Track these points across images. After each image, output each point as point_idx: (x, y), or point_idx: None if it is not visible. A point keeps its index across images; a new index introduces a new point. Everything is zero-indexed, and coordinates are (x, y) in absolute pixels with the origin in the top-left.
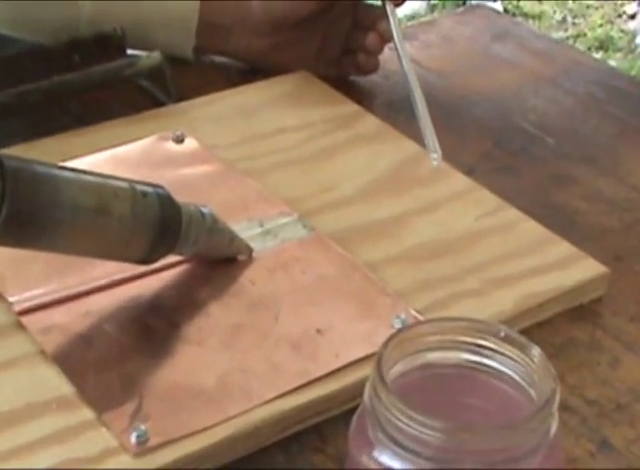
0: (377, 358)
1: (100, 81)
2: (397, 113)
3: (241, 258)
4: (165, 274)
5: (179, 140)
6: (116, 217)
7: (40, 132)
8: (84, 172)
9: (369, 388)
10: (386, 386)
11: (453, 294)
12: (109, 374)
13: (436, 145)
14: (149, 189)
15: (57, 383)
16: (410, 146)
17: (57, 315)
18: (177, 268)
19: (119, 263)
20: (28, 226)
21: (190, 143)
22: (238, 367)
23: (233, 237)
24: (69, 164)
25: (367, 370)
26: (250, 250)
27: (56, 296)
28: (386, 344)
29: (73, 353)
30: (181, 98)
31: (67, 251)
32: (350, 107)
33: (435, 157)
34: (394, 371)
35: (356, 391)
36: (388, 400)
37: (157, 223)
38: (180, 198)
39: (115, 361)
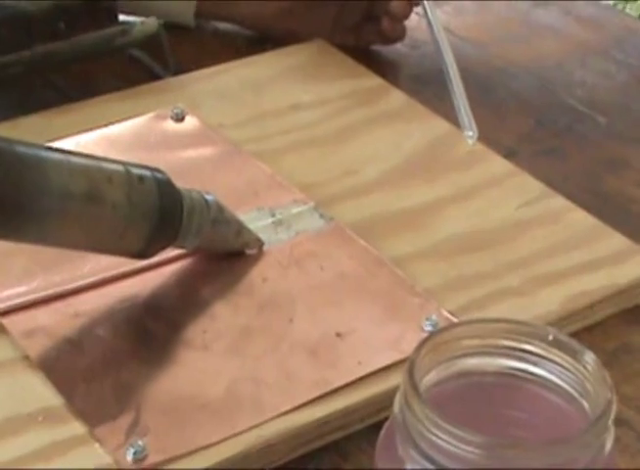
0: (409, 365)
1: (88, 52)
2: (426, 87)
3: (249, 252)
4: (165, 270)
5: (179, 118)
6: (110, 205)
7: (21, 109)
8: (74, 154)
9: (400, 398)
10: (419, 396)
11: (491, 293)
12: (101, 383)
13: (472, 122)
14: (146, 173)
15: (43, 393)
16: (441, 125)
17: (42, 316)
18: (178, 263)
19: (113, 258)
20: (13, 215)
21: (191, 121)
22: (248, 376)
23: (241, 228)
24: (54, 145)
25: (394, 379)
26: (260, 243)
27: (41, 294)
28: (418, 349)
29: (61, 360)
30: (180, 70)
31: (54, 243)
32: (373, 80)
33: (471, 135)
34: (428, 380)
35: (382, 403)
36: (422, 412)
37: (155, 212)
38: (181, 183)
39: (109, 369)
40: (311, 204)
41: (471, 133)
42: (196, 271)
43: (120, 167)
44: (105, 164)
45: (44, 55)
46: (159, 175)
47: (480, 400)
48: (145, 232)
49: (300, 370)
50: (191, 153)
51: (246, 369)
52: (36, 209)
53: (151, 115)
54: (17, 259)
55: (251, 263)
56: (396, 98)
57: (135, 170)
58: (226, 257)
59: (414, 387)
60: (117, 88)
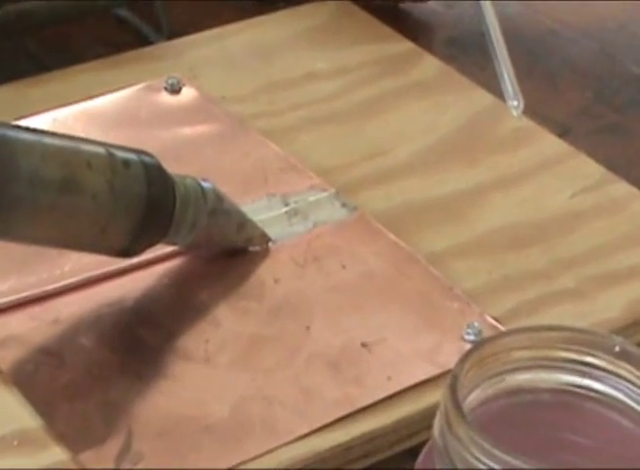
0: (451, 382)
1: (67, 12)
2: (465, 52)
3: (253, 249)
4: (158, 269)
5: (174, 90)
6: (89, 195)
7: None
8: (47, 134)
9: (440, 420)
10: (463, 417)
11: (543, 296)
12: (86, 401)
13: (517, 91)
14: (132, 156)
15: (18, 413)
16: (483, 97)
17: (15, 323)
18: (173, 262)
19: (96, 256)
20: None
21: (188, 94)
22: (258, 393)
23: (244, 221)
24: (26, 122)
25: (429, 398)
26: (265, 239)
27: (13, 298)
28: (461, 362)
29: (39, 374)
30: (175, 34)
31: (24, 239)
32: (402, 45)
33: (516, 105)
34: (473, 398)
35: (415, 425)
36: (467, 436)
37: (142, 202)
38: (175, 168)
39: (95, 384)
40: (331, 190)
41: (515, 103)
42: (194, 271)
43: (102, 150)
44: (83, 146)
45: (16, 15)
46: (146, 159)
47: (533, 422)
48: (130, 226)
49: (320, 387)
50: (187, 131)
51: (255, 385)
52: (3, 199)
53: (140, 86)
54: None
55: (261, 261)
56: (430, 65)
57: (119, 153)
58: (231, 254)
59: (457, 407)
60: (101, 55)
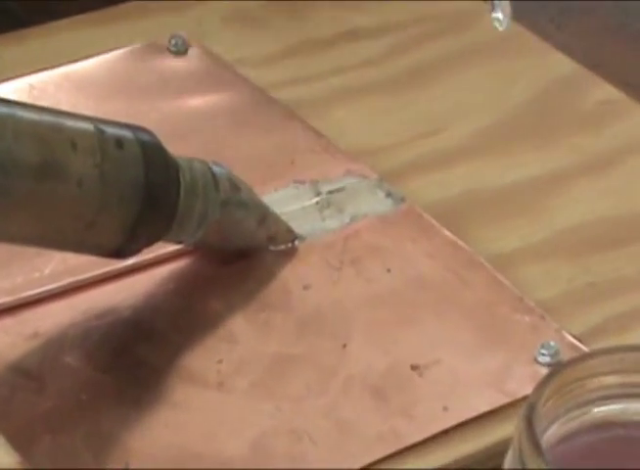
0: (526, 413)
1: None
2: (538, 8)
3: (276, 248)
4: (158, 272)
5: (179, 51)
6: (74, 182)
7: None
8: (21, 107)
9: (512, 459)
10: (541, 455)
11: (635, 309)
12: (72, 433)
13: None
14: (126, 134)
15: None
16: (560, 62)
17: None
18: (177, 264)
19: (85, 256)
20: None
21: (196, 56)
22: (283, 426)
23: (265, 214)
24: None
25: (496, 433)
26: (292, 236)
27: None
28: (539, 389)
29: (14, 400)
30: None
31: None
32: None
33: (500, 18)
34: (553, 433)
35: (477, 466)
36: None
37: (139, 191)
38: (179, 148)
39: (83, 413)
40: (373, 177)
41: (500, 16)
42: (204, 275)
43: (89, 126)
44: (66, 122)
45: None
46: (144, 137)
47: (624, 461)
48: (124, 220)
49: (359, 418)
50: (195, 102)
51: (280, 416)
52: None
53: (138, 46)
54: None
55: (286, 264)
56: None
57: (110, 130)
58: (249, 254)
59: (534, 443)
60: (89, 8)
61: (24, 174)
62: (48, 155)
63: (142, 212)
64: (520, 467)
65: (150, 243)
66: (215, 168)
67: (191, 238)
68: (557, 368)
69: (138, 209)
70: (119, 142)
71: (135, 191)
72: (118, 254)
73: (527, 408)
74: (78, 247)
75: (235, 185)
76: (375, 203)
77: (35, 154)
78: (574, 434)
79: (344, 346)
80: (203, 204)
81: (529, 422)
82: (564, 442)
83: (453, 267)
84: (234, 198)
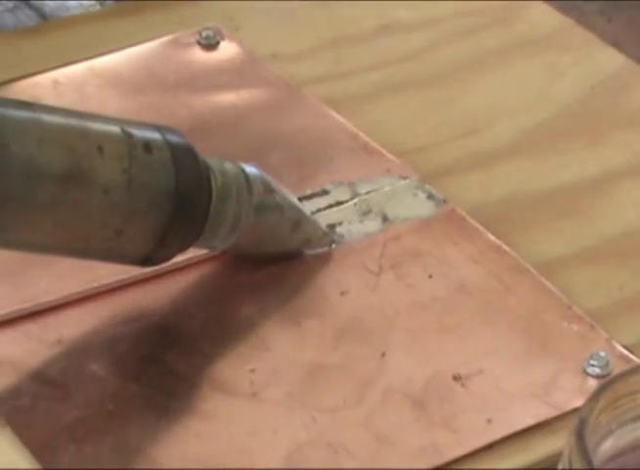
0: (577, 428)
1: None
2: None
3: (312, 252)
4: (189, 277)
5: (210, 44)
6: (100, 188)
7: None
8: (45, 110)
9: None
10: None
11: None
12: (98, 444)
13: None
14: (155, 137)
15: (10, 458)
16: (611, 57)
17: (6, 344)
18: (208, 267)
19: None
20: None
21: (228, 49)
22: (319, 438)
23: (301, 217)
24: (20, 85)
25: (542, 447)
26: (328, 240)
27: (3, 312)
28: (591, 402)
29: (37, 409)
30: None
31: (21, 245)
32: None
33: None
34: (606, 448)
35: None
36: None
37: (169, 197)
38: (208, 148)
39: (109, 423)
40: (414, 178)
41: None
42: (236, 280)
43: (116, 129)
44: (93, 125)
45: None
46: (173, 139)
47: None
48: (154, 227)
49: (399, 431)
50: (226, 98)
51: (316, 428)
52: None
53: (167, 39)
54: None
55: (323, 269)
56: (542, 15)
57: (138, 133)
58: (284, 259)
59: (586, 460)
60: None
61: (49, 182)
62: (73, 161)
63: (172, 219)
64: None
65: (181, 250)
66: (248, 170)
67: (223, 243)
68: (609, 381)
69: (168, 215)
70: (148, 146)
71: (165, 197)
72: (148, 262)
73: (579, 423)
74: (106, 256)
75: (269, 187)
76: (415, 205)
77: (60, 161)
78: (627, 449)
79: (383, 354)
80: (236, 208)
81: (581, 437)
82: (616, 458)
83: (497, 273)
84: (268, 201)
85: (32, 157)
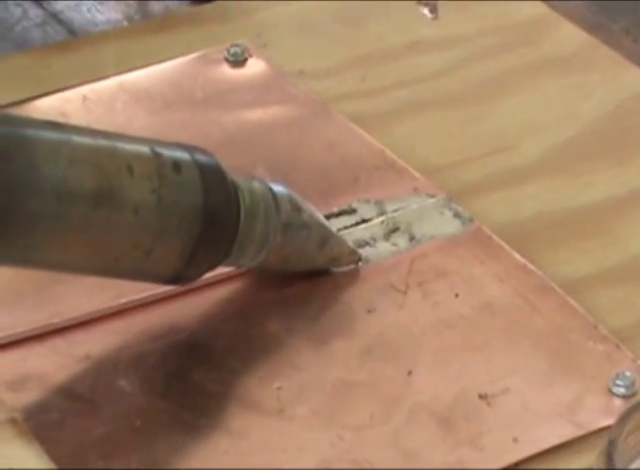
0: (607, 449)
1: None
2: (614, 19)
3: (339, 270)
4: (217, 294)
5: (237, 61)
6: (130, 208)
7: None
8: (75, 131)
9: None
10: None
11: None
12: (125, 460)
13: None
14: (184, 157)
15: None
16: (639, 76)
17: (34, 360)
18: (236, 284)
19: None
20: None
21: (256, 66)
22: (346, 455)
23: (328, 235)
24: (50, 100)
25: (572, 466)
26: (355, 258)
27: (33, 326)
28: (620, 423)
29: (65, 424)
30: None
31: (48, 264)
32: (534, 8)
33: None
34: None
35: None
36: None
37: (198, 216)
38: (237, 166)
39: (137, 440)
40: (441, 196)
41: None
42: (264, 297)
43: (145, 149)
44: (122, 146)
45: None
46: (202, 159)
47: None
48: (183, 246)
49: (425, 449)
50: (254, 115)
51: (342, 446)
52: (21, 216)
53: (195, 56)
54: None
55: (350, 287)
56: (569, 35)
57: (167, 153)
58: (311, 277)
59: None
60: (142, 15)
61: (80, 202)
62: (103, 181)
63: (201, 238)
64: None
65: (209, 269)
66: (276, 189)
67: (251, 262)
68: (638, 403)
69: (197, 234)
70: (177, 165)
71: (194, 216)
72: (178, 280)
73: (608, 444)
74: (136, 275)
75: (297, 206)
76: (442, 223)
77: (90, 181)
78: None
79: (410, 373)
80: (264, 227)
81: (610, 458)
82: None
83: (523, 292)
84: (296, 219)
85: (63, 177)
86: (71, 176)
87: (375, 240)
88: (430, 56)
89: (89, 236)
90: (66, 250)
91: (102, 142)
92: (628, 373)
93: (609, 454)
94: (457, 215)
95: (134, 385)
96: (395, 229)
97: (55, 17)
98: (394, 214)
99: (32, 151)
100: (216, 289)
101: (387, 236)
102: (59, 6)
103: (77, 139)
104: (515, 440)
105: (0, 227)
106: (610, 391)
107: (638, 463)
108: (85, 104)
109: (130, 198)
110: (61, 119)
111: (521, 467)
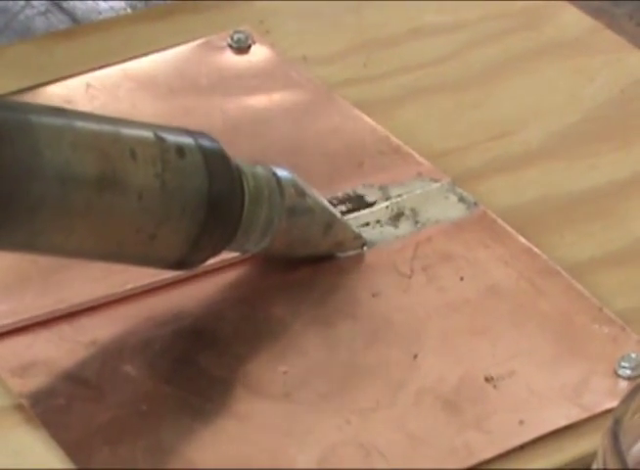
0: (612, 429)
1: None
2: (616, 3)
3: (344, 255)
4: (222, 279)
5: (241, 47)
6: (134, 193)
7: (4, 34)
8: (78, 116)
9: None
10: None
11: None
12: (132, 445)
13: None
14: (188, 141)
15: (45, 459)
16: None
17: (41, 346)
18: (241, 269)
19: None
20: None
21: (259, 52)
22: (352, 439)
23: (332, 220)
24: (53, 88)
25: (574, 448)
26: (360, 243)
27: (38, 313)
28: (625, 403)
29: (72, 410)
30: None
31: (52, 250)
32: None
33: None
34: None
35: None
36: None
37: (202, 201)
38: (240, 151)
39: (144, 424)
40: (445, 180)
41: None
42: (269, 282)
43: (149, 134)
44: (125, 130)
45: None
46: (206, 144)
47: None
48: (187, 231)
49: (431, 432)
50: (258, 101)
51: (349, 429)
52: (24, 201)
53: (198, 42)
54: (2, 260)
55: (354, 271)
56: (572, 19)
57: (171, 138)
58: (316, 262)
59: (620, 459)
60: (145, 3)
61: (83, 187)
62: (107, 166)
63: (205, 223)
64: None
65: (214, 254)
66: (280, 173)
67: (256, 247)
68: None
69: (201, 219)
70: (181, 150)
71: (198, 201)
72: (182, 265)
73: (613, 423)
74: (140, 260)
75: (301, 191)
76: (447, 207)
77: (94, 166)
78: None
79: (415, 356)
80: (268, 211)
81: (615, 437)
82: None
83: (528, 275)
84: (300, 204)
85: (66, 162)
86: (74, 161)
87: (379, 224)
88: (432, 41)
89: (93, 221)
90: (69, 235)
91: (105, 127)
92: (634, 355)
93: (614, 433)
94: (462, 200)
95: (140, 370)
96: (400, 214)
97: (58, 5)
98: (399, 199)
99: (35, 136)
100: (221, 274)
101: (391, 220)
102: None
103: (80, 124)
104: (521, 422)
105: (3, 213)
106: (615, 373)
107: None
108: (89, 91)
109: (134, 183)
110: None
111: (527, 449)
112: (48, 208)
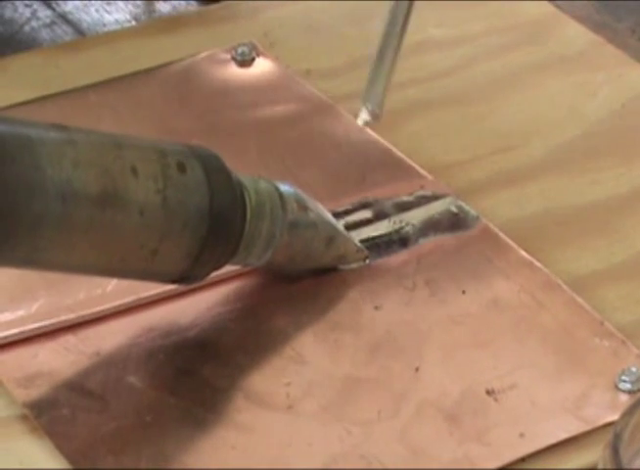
0: (612, 443)
1: None
2: (619, 18)
3: (346, 267)
4: (225, 291)
5: (245, 61)
6: (135, 209)
7: (8, 44)
8: (79, 133)
9: None
10: None
11: None
12: (135, 455)
13: (381, 102)
14: (189, 156)
15: (49, 469)
16: None
17: (45, 356)
18: (244, 282)
19: None
20: None
21: (263, 66)
22: (354, 451)
23: (335, 234)
24: (55, 101)
25: (577, 461)
26: (362, 256)
27: (43, 324)
28: (625, 417)
29: (76, 420)
30: None
31: (54, 266)
32: (540, 7)
33: (366, 118)
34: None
35: None
36: None
37: (203, 217)
38: (243, 164)
39: (147, 435)
40: (448, 194)
41: (366, 116)
42: (272, 294)
43: (150, 150)
44: (127, 147)
45: None
46: (207, 159)
47: None
48: (189, 247)
49: (432, 444)
50: (261, 113)
51: (351, 441)
52: (26, 218)
53: (202, 55)
54: (8, 271)
55: (357, 284)
56: (574, 34)
57: (172, 153)
58: (318, 274)
59: None
60: (150, 16)
61: (85, 204)
62: (108, 183)
63: (207, 238)
64: None
65: (216, 268)
66: (282, 188)
67: (258, 261)
68: None
69: (203, 234)
70: (182, 166)
71: (200, 217)
72: (184, 280)
73: (614, 437)
74: (142, 275)
75: (303, 205)
76: (449, 221)
77: (95, 182)
78: None
79: (417, 369)
80: (270, 226)
81: (616, 451)
82: None
83: (530, 289)
84: (302, 218)
85: (67, 179)
86: (76, 178)
87: (382, 237)
88: (436, 55)
89: (95, 237)
90: (71, 251)
91: (106, 144)
92: (634, 369)
93: (614, 447)
94: (464, 213)
95: (144, 381)
96: (403, 227)
97: (63, 17)
98: (401, 212)
99: (37, 153)
100: (225, 286)
101: (394, 234)
102: (67, 6)
103: (81, 141)
104: (521, 435)
105: (5, 229)
106: (616, 386)
107: None
108: (92, 104)
109: (135, 199)
110: (67, 120)
111: (528, 462)
112: (49, 224)
